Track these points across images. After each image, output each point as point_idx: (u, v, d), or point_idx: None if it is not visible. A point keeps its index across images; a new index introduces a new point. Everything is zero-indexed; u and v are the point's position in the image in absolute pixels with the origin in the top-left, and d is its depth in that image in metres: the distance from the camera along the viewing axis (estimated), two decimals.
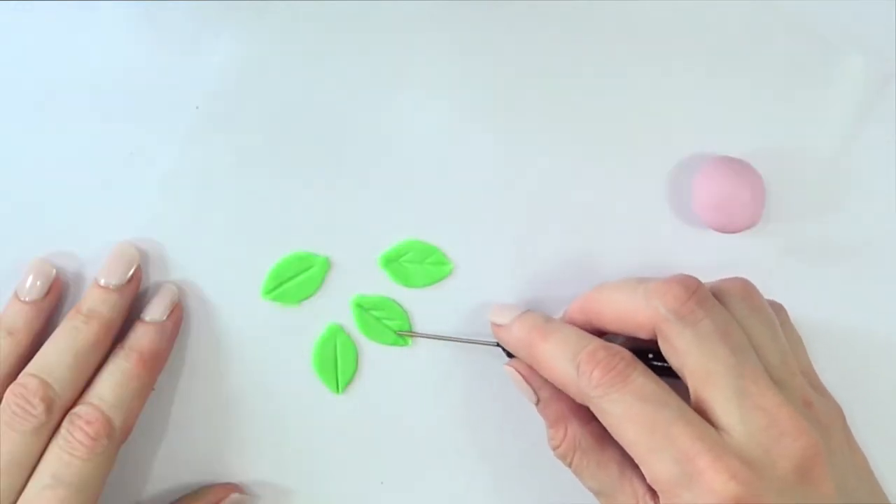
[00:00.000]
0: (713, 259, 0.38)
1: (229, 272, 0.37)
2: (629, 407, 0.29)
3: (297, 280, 0.37)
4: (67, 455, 0.32)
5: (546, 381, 0.33)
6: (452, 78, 0.38)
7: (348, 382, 0.37)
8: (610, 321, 0.32)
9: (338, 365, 0.37)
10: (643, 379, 0.29)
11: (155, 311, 0.35)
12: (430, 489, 0.37)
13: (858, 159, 0.38)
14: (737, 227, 0.37)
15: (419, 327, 0.37)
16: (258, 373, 0.37)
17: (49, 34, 0.37)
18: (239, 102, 0.37)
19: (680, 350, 0.29)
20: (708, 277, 0.36)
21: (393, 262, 0.37)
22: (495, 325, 0.35)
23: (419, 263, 0.37)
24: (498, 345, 0.36)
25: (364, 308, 0.37)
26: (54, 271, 0.35)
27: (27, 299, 0.34)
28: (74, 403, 0.33)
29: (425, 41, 0.38)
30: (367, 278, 0.37)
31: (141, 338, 0.35)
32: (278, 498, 0.37)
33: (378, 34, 0.37)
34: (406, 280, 0.37)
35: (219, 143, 0.37)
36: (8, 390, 0.32)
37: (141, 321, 0.35)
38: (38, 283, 0.35)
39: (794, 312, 0.35)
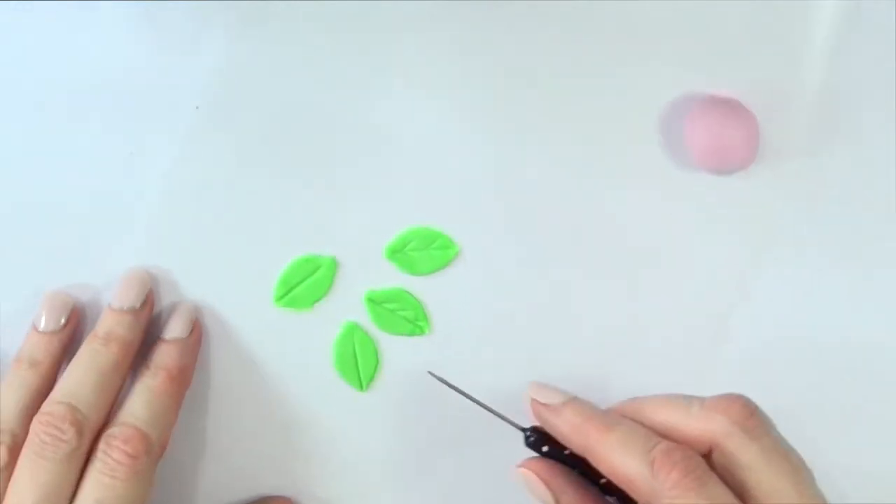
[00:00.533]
0: (709, 202, 0.38)
1: (236, 276, 0.37)
2: None
3: (306, 283, 0.37)
4: (108, 478, 0.31)
5: (567, 484, 0.31)
6: (452, 78, 0.38)
7: (371, 378, 0.37)
8: (657, 431, 0.31)
9: (358, 362, 0.37)
10: (719, 488, 0.29)
11: (175, 329, 0.35)
12: (470, 473, 0.37)
13: (848, 94, 0.38)
14: (731, 167, 0.36)
15: (433, 313, 0.37)
16: (281, 381, 0.37)
17: (49, 34, 0.37)
18: (239, 102, 0.37)
19: (744, 464, 0.29)
20: (704, 221, 0.35)
21: (398, 252, 0.37)
22: (539, 405, 0.32)
23: (424, 250, 0.37)
24: (525, 430, 0.32)
25: (376, 302, 0.37)
26: (72, 302, 0.35)
27: (46, 330, 0.34)
28: (102, 428, 0.32)
29: (425, 41, 0.38)
30: (375, 272, 0.37)
31: (165, 356, 0.34)
32: None
33: (378, 34, 0.37)
34: (413, 268, 0.37)
35: (219, 143, 0.37)
36: (34, 421, 0.31)
37: (162, 340, 0.35)
38: (55, 315, 0.35)
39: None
